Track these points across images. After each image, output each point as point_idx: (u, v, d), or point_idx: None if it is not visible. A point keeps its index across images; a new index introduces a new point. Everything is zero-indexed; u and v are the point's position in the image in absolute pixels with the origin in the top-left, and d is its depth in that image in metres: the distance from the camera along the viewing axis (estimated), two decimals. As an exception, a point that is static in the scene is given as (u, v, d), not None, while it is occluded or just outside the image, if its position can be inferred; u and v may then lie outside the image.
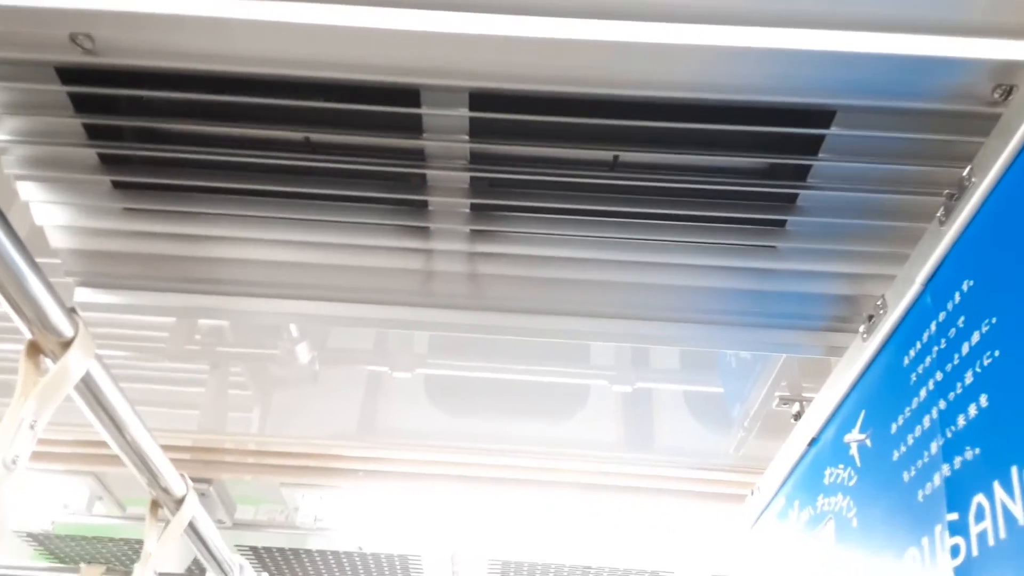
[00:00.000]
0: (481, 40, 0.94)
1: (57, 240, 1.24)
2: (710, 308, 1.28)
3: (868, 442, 1.07)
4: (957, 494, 0.83)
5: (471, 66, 0.98)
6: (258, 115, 1.09)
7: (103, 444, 1.32)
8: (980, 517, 0.78)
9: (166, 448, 1.45)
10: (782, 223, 1.17)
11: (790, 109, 1.02)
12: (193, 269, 1.28)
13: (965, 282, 0.88)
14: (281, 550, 2.48)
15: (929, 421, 0.91)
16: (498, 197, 1.17)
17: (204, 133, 1.12)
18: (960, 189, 0.90)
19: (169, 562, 2.42)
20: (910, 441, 0.94)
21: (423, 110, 1.05)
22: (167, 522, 1.56)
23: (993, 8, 0.89)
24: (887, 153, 1.06)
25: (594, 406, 1.80)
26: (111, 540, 2.51)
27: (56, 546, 2.58)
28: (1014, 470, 0.74)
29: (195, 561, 2.25)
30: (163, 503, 1.55)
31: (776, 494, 1.43)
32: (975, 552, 0.78)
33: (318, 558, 2.54)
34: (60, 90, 1.05)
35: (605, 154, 1.12)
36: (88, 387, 1.18)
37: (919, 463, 0.91)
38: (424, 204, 1.19)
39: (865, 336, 1.10)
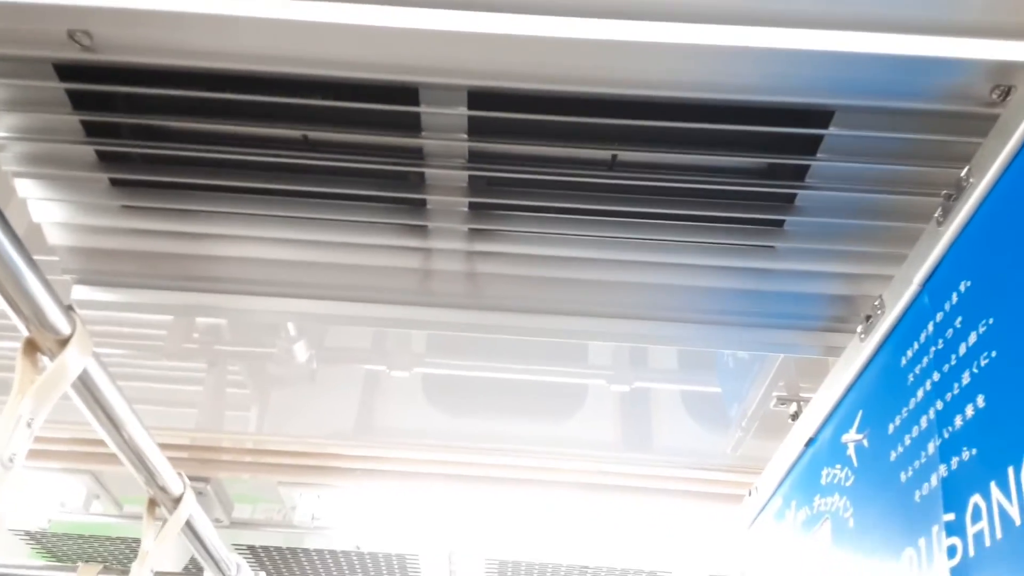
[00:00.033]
0: (480, 38, 0.94)
1: (55, 237, 1.24)
2: (708, 308, 1.28)
3: (865, 442, 1.07)
4: (954, 495, 0.83)
5: (470, 64, 0.98)
6: (256, 113, 1.09)
7: (100, 442, 1.32)
8: (977, 518, 0.78)
9: (163, 447, 1.45)
10: (780, 223, 1.17)
11: (788, 109, 1.02)
12: (191, 267, 1.27)
13: (963, 283, 0.88)
14: (279, 549, 2.47)
15: (926, 421, 0.91)
16: (496, 196, 1.17)
17: (202, 130, 1.12)
18: (958, 190, 0.90)
19: (166, 561, 2.40)
20: (907, 441, 0.94)
21: (422, 108, 1.05)
22: (164, 521, 1.56)
23: (991, 8, 0.89)
24: (885, 153, 1.06)
25: (592, 406, 1.80)
26: (108, 539, 2.51)
27: (53, 544, 2.57)
28: (1010, 471, 0.74)
29: (192, 560, 2.24)
30: (160, 502, 1.54)
31: (773, 494, 1.43)
32: (972, 553, 0.78)
33: (315, 557, 2.53)
34: (58, 87, 1.05)
35: (603, 153, 1.12)
36: (85, 385, 1.17)
37: (916, 463, 0.91)
38: (423, 203, 1.18)
39: (863, 336, 1.10)
